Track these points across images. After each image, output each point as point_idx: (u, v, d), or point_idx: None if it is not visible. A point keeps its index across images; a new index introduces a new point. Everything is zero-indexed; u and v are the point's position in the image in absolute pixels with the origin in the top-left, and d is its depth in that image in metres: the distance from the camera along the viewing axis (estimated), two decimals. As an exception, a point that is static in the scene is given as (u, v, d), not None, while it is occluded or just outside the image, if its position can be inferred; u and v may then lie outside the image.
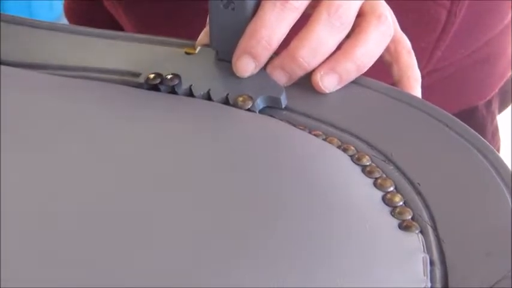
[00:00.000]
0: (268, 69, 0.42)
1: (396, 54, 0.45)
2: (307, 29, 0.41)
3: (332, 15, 0.41)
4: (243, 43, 0.42)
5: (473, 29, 0.63)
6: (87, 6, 0.70)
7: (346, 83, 0.42)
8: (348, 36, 0.42)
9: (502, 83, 0.70)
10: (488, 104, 0.71)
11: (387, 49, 0.45)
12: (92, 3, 0.69)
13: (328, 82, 0.42)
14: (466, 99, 0.66)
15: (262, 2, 0.41)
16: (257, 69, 0.42)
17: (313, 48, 0.41)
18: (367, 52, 0.42)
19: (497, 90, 0.70)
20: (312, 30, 0.41)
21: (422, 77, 0.46)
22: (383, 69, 0.45)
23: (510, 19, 0.67)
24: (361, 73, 0.43)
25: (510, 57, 0.70)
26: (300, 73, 0.42)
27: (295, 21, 0.41)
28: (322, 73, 0.42)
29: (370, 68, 0.43)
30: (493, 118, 0.72)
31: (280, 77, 0.42)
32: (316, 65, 0.42)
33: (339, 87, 0.42)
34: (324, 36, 0.41)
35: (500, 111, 0.74)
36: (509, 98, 0.75)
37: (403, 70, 0.45)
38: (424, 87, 0.46)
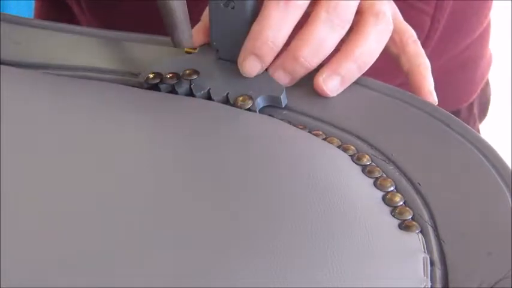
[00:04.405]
0: (270, 71, 0.42)
1: (402, 44, 0.45)
2: (307, 28, 0.41)
3: (331, 13, 0.41)
4: (248, 44, 0.41)
5: (455, 34, 0.63)
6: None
7: (349, 84, 0.42)
8: (347, 35, 0.42)
9: (482, 85, 0.71)
10: (470, 106, 0.71)
11: (393, 41, 0.45)
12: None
13: (332, 85, 0.42)
14: (448, 103, 0.66)
15: (265, 2, 0.41)
16: (263, 69, 0.42)
17: (314, 47, 0.41)
18: (366, 51, 0.42)
19: (479, 91, 0.70)
20: (312, 29, 0.41)
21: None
22: (387, 70, 0.45)
23: (489, 22, 0.67)
24: (362, 72, 0.42)
25: (488, 59, 0.70)
26: (301, 73, 0.42)
27: (299, 19, 0.41)
28: (324, 76, 0.42)
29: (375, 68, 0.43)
30: (475, 121, 0.72)
31: (283, 78, 0.42)
32: (318, 64, 0.42)
33: (342, 89, 0.42)
34: (324, 34, 0.41)
35: (480, 120, 0.74)
36: (487, 107, 0.75)
37: (412, 59, 0.45)
38: None
